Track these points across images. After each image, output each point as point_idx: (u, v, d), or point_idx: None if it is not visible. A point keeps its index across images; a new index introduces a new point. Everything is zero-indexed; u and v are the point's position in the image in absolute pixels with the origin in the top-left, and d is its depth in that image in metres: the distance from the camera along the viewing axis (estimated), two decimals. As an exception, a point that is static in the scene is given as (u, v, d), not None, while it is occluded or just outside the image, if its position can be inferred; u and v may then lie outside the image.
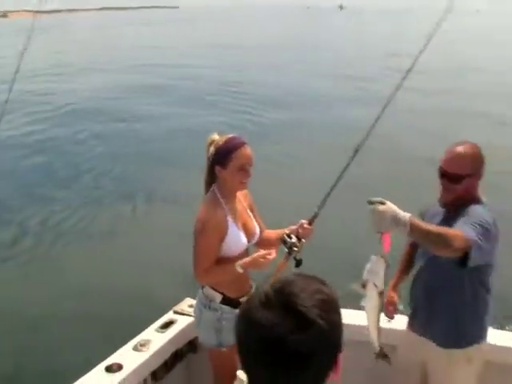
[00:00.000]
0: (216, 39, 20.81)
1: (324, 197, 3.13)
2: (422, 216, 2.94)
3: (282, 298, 1.20)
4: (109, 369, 3.01)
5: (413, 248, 3.16)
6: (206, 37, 20.66)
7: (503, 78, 16.92)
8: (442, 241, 2.47)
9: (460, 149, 2.82)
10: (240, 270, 2.98)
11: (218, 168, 3.00)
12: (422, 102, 13.77)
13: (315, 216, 3.12)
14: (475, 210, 2.78)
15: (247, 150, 2.99)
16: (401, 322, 3.23)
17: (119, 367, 3.02)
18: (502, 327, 5.46)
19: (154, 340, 3.28)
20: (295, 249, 3.03)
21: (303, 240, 3.08)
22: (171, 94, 14.84)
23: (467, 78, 16.71)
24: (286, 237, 3.09)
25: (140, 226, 8.04)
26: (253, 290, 3.21)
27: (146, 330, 3.37)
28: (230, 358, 3.08)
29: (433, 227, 2.54)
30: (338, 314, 1.27)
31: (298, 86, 16.08)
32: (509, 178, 9.59)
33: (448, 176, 2.80)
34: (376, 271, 2.44)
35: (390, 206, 2.39)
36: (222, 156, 2.96)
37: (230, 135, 3.05)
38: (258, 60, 18.43)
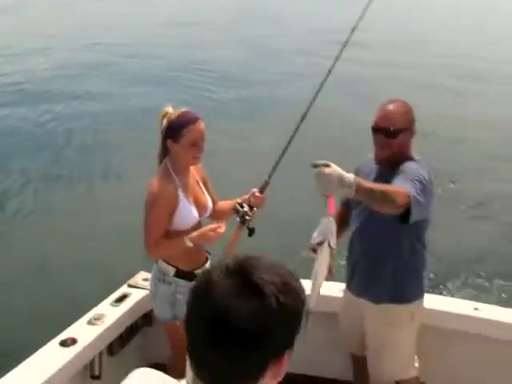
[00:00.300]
0: (175, 17, 20.39)
1: (274, 165, 3.14)
2: (356, 175, 2.94)
3: (241, 268, 1.13)
4: (63, 343, 2.99)
5: (346, 209, 3.17)
6: (166, 15, 20.13)
7: (448, 48, 17.22)
8: (386, 198, 2.52)
9: (392, 105, 2.90)
10: (189, 244, 2.99)
11: (169, 142, 2.99)
12: (364, 73, 13.96)
13: (266, 184, 3.13)
14: (411, 166, 2.84)
15: (200, 125, 2.98)
16: (339, 289, 3.32)
17: (73, 341, 3.01)
18: (435, 288, 5.74)
19: (109, 314, 3.28)
20: (247, 218, 3.04)
21: (255, 209, 3.10)
22: (128, 73, 14.58)
23: (411, 49, 16.96)
24: (238, 206, 3.10)
25: (93, 202, 7.90)
26: (208, 262, 3.24)
27: (101, 304, 3.37)
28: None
29: (376, 185, 2.59)
30: (298, 303, 1.15)
31: (248, 61, 16.02)
32: (447, 143, 9.99)
33: (383, 131, 2.86)
34: (331, 230, 2.47)
35: (335, 169, 2.40)
36: (175, 130, 2.96)
37: (184, 109, 3.04)
38: (212, 37, 18.26)
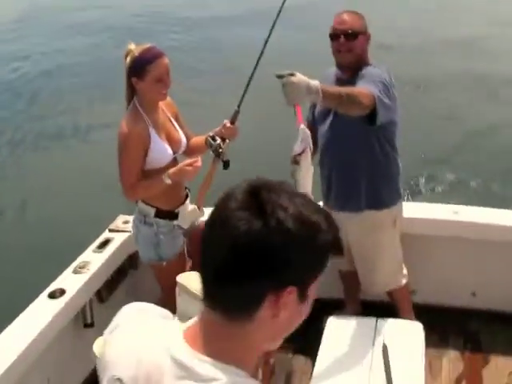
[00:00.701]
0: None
1: (242, 93, 3.07)
2: None
3: (256, 186, 1.04)
4: (52, 295, 2.98)
5: (312, 126, 3.10)
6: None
7: None
8: (353, 100, 2.58)
9: (346, 12, 3.00)
10: (168, 181, 2.94)
11: (134, 80, 2.90)
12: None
13: (236, 114, 3.06)
14: (371, 70, 2.91)
15: (164, 60, 2.89)
16: None
17: (62, 292, 2.99)
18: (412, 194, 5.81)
19: (93, 260, 3.26)
20: (220, 150, 2.99)
21: (227, 140, 3.04)
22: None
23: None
24: (210, 139, 3.04)
25: (67, 149, 7.84)
26: (188, 199, 3.19)
27: (84, 253, 3.34)
28: (173, 270, 3.10)
29: (341, 89, 2.63)
30: (311, 237, 1.03)
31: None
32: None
33: (343, 34, 2.90)
34: (308, 135, 2.47)
35: (301, 76, 2.40)
36: (139, 67, 2.86)
37: (147, 45, 2.93)
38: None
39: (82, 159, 7.39)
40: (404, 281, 3.27)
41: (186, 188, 3.22)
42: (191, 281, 2.92)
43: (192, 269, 3.20)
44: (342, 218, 3.06)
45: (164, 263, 3.11)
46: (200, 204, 3.11)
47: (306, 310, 1.08)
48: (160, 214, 3.07)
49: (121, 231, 3.51)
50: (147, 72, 2.85)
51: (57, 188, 6.68)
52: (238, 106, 3.07)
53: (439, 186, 6.50)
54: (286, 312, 1.03)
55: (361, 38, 2.94)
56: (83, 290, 3.08)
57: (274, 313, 1.03)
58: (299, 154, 2.46)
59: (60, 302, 2.94)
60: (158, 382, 1.05)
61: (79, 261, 3.25)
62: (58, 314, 2.88)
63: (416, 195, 6.04)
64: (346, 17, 2.96)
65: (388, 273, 3.21)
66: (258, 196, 1.02)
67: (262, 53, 3.05)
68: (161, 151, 2.98)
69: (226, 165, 3.03)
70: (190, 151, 3.20)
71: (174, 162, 3.07)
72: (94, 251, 3.35)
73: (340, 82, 2.94)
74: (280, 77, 2.37)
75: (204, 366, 1.02)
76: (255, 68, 3.07)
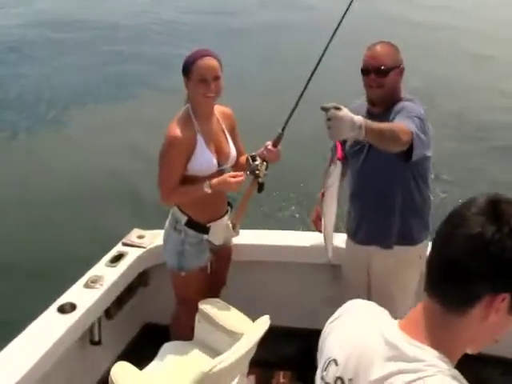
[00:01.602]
0: None
1: (287, 117, 2.96)
2: None
3: (494, 199, 1.14)
4: (62, 309, 2.89)
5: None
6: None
7: None
8: (393, 137, 2.51)
9: (379, 45, 2.91)
10: (208, 190, 2.90)
11: (185, 80, 2.93)
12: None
13: (279, 137, 2.95)
14: (407, 105, 2.85)
15: (209, 61, 2.88)
16: (340, 240, 3.22)
17: (72, 307, 2.90)
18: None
19: (105, 275, 3.17)
20: (257, 172, 2.92)
21: (264, 163, 2.94)
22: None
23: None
24: (250, 159, 2.96)
25: (83, 158, 7.51)
26: (227, 215, 3.13)
27: (97, 266, 3.26)
28: (191, 282, 3.09)
29: (382, 125, 2.54)
30: None
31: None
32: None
33: (374, 70, 2.84)
34: (338, 175, 2.52)
35: (347, 111, 2.32)
36: (186, 67, 2.90)
37: (199, 48, 2.96)
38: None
39: (100, 169, 7.11)
40: None
41: (228, 204, 3.17)
42: (214, 309, 2.88)
43: (212, 288, 3.17)
44: (368, 252, 3.07)
45: (183, 273, 3.06)
46: (235, 223, 3.05)
47: (510, 323, 1.16)
48: (191, 223, 3.03)
49: (135, 246, 3.44)
50: (192, 71, 2.87)
51: (73, 196, 6.48)
52: (283, 129, 2.96)
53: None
54: (495, 317, 1.12)
55: (393, 74, 2.86)
56: (94, 307, 2.99)
57: (485, 315, 1.12)
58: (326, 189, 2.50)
59: (70, 318, 2.85)
60: (369, 362, 1.17)
61: (91, 274, 3.17)
62: (67, 330, 2.78)
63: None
64: (378, 51, 2.88)
65: (405, 309, 3.14)
66: (498, 206, 1.12)
67: (309, 80, 2.96)
68: (205, 160, 2.94)
69: (260, 188, 2.96)
70: (238, 167, 3.14)
71: (220, 173, 3.00)
72: (107, 265, 3.26)
73: (372, 116, 2.83)
74: (325, 110, 2.28)
75: (413, 348, 1.14)
76: (302, 94, 2.96)
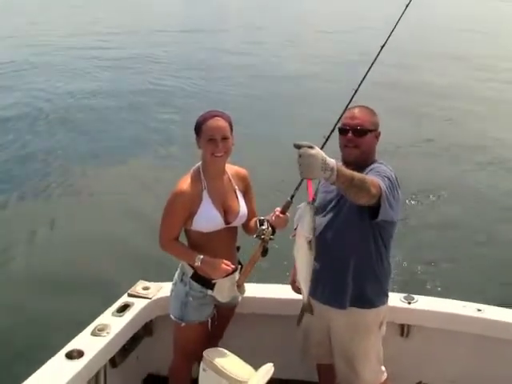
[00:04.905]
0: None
1: (296, 186, 2.95)
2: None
3: None
4: (69, 356, 2.96)
5: None
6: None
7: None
8: (363, 186, 2.54)
9: (359, 108, 3.00)
10: (198, 263, 2.98)
11: (197, 138, 3.05)
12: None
13: (288, 204, 2.97)
14: (379, 166, 2.91)
15: (217, 121, 3.00)
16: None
17: (80, 354, 2.98)
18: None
19: (112, 324, 3.25)
20: (263, 237, 2.98)
21: (269, 228, 2.98)
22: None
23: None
24: (258, 223, 3.04)
25: (91, 211, 7.73)
26: (236, 273, 3.16)
27: (103, 314, 3.34)
28: (190, 335, 3.15)
29: (355, 173, 2.56)
30: None
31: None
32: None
33: (352, 129, 2.93)
34: (302, 216, 2.45)
35: (319, 151, 2.33)
36: (197, 126, 3.03)
37: (211, 110, 3.09)
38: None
39: (108, 220, 7.33)
40: (383, 378, 3.19)
41: (239, 262, 3.23)
42: (218, 357, 2.93)
43: (212, 344, 3.21)
44: (327, 312, 3.02)
45: (183, 324, 3.12)
46: (240, 283, 3.11)
47: None
48: (196, 277, 3.10)
49: (140, 297, 3.53)
50: (202, 131, 2.99)
51: (81, 246, 6.62)
52: (291, 197, 2.97)
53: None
54: None
55: (370, 136, 2.94)
56: (101, 354, 3.07)
57: None
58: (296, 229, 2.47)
59: (78, 365, 2.92)
60: None
61: (98, 322, 3.25)
62: (74, 376, 2.85)
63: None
64: (357, 112, 2.96)
65: (369, 373, 3.13)
66: None
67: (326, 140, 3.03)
68: (208, 217, 3.02)
69: (264, 252, 3.01)
70: (247, 227, 3.23)
71: (228, 231, 3.10)
72: (114, 314, 3.35)
73: None
74: (298, 147, 2.31)
75: None
76: None
